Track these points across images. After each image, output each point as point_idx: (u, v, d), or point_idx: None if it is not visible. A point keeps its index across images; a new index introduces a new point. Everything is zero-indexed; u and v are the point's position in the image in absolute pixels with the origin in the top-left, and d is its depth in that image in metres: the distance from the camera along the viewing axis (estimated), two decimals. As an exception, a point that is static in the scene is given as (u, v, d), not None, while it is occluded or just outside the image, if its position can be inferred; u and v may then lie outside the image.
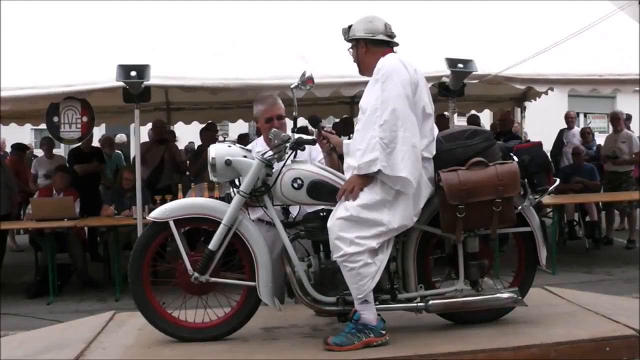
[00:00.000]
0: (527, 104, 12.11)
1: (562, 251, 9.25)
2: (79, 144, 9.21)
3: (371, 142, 3.57)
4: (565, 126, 11.62)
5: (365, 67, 3.85)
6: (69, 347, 3.97)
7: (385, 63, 3.70)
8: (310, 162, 4.05)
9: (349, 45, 3.93)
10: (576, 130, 11.77)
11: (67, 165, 9.86)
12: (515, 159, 3.87)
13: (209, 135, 9.59)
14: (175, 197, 7.35)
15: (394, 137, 3.55)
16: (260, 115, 4.47)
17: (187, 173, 10.13)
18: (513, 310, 4.05)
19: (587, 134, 11.77)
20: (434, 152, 3.80)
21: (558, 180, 4.02)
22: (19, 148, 11.43)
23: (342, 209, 3.65)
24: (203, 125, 11.11)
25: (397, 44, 3.89)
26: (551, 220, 8.57)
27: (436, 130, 3.89)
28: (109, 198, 8.89)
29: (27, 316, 6.94)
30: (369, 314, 3.69)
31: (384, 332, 3.71)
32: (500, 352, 3.59)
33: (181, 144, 13.85)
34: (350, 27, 3.89)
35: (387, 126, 3.56)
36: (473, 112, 12.05)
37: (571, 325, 3.93)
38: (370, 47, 3.83)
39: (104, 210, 8.61)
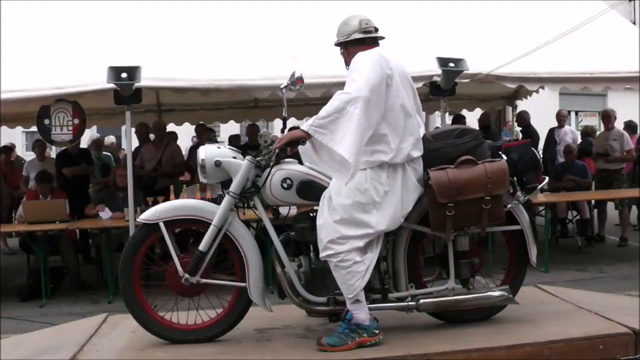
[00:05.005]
0: (518, 102, 12.14)
1: (554, 249, 9.26)
2: (67, 146, 9.17)
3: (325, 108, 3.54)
4: (556, 124, 11.60)
5: None
6: (62, 349, 3.97)
7: (361, 53, 3.70)
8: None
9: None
10: (567, 128, 11.76)
11: (56, 166, 9.78)
12: (504, 157, 3.86)
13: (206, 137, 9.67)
14: (168, 199, 7.32)
15: (341, 108, 3.49)
16: None
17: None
18: (506, 309, 4.05)
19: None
20: (422, 150, 3.79)
21: (547, 178, 4.02)
22: (5, 151, 11.35)
23: (330, 209, 3.65)
24: (194, 127, 11.10)
25: (382, 37, 3.89)
26: (543, 219, 8.58)
27: (423, 129, 3.88)
28: (100, 199, 8.83)
29: (20, 319, 6.88)
30: (361, 313, 3.69)
31: (377, 331, 3.71)
32: (494, 351, 3.60)
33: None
34: None
35: (342, 96, 3.52)
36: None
37: (565, 324, 3.94)
38: (350, 49, 3.84)
39: (89, 209, 8.58)
